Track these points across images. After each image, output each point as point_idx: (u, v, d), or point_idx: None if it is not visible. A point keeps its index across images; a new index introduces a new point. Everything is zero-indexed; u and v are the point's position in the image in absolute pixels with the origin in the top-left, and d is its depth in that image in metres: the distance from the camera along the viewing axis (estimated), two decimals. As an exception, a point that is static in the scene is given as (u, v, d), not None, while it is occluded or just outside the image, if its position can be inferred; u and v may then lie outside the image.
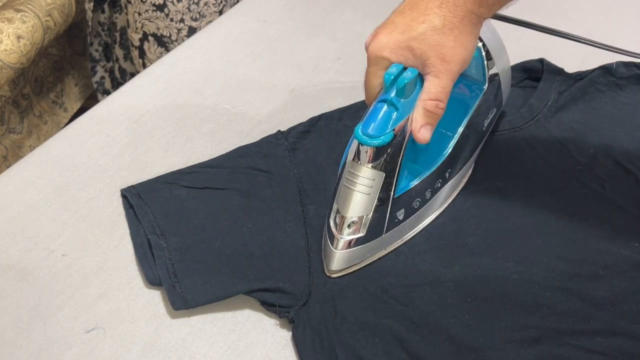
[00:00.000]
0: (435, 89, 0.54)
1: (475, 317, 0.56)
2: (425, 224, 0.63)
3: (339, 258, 0.58)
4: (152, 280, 0.59)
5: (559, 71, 0.78)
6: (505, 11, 0.58)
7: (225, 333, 0.57)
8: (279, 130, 0.72)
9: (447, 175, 0.63)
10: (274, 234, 0.62)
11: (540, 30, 0.66)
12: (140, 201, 0.64)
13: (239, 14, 0.94)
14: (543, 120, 0.73)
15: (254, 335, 0.57)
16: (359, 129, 0.54)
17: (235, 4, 1.08)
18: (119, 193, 0.67)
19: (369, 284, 0.58)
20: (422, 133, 0.55)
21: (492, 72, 0.64)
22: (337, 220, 0.58)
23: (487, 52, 0.63)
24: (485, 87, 0.64)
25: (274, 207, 0.64)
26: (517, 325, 0.55)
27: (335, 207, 0.58)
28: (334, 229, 0.58)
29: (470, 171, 0.68)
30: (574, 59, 0.80)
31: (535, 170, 0.68)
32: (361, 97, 0.61)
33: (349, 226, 0.57)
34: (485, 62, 0.63)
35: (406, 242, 0.62)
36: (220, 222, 0.62)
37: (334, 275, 0.59)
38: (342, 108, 0.75)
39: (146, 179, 0.67)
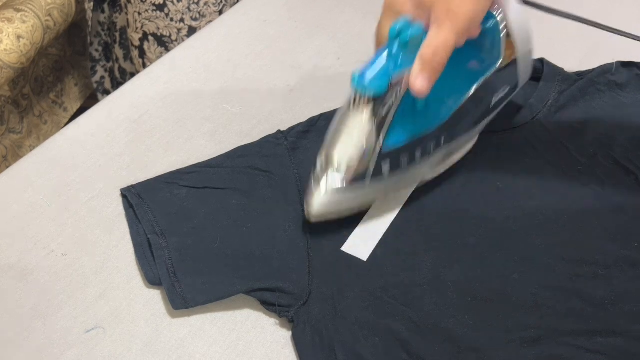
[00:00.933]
0: (436, 40, 0.53)
1: (475, 317, 0.56)
2: (413, 188, 0.63)
3: (321, 202, 0.58)
4: (152, 280, 0.59)
5: (559, 71, 0.78)
6: None
7: (225, 333, 0.57)
8: (279, 130, 0.72)
9: (442, 140, 0.62)
10: (274, 234, 0.62)
11: (562, 16, 0.65)
12: (140, 201, 0.64)
13: (239, 14, 0.94)
14: (543, 120, 0.73)
15: (253, 335, 0.57)
16: (355, 76, 0.54)
17: (235, 4, 1.08)
18: (119, 193, 0.67)
19: (368, 283, 0.58)
20: (419, 82, 0.54)
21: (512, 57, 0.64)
22: (323, 163, 0.58)
23: (508, 31, 0.61)
24: (499, 63, 0.63)
25: (274, 207, 0.64)
26: (517, 325, 0.55)
27: (323, 152, 0.58)
28: (319, 173, 0.58)
29: (469, 146, 0.67)
30: (574, 59, 0.80)
31: (535, 170, 0.68)
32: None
33: (333, 171, 0.57)
34: (502, 37, 0.62)
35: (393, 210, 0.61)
36: (220, 222, 0.62)
37: (314, 220, 0.59)
38: (342, 108, 0.75)
39: (146, 179, 0.67)
